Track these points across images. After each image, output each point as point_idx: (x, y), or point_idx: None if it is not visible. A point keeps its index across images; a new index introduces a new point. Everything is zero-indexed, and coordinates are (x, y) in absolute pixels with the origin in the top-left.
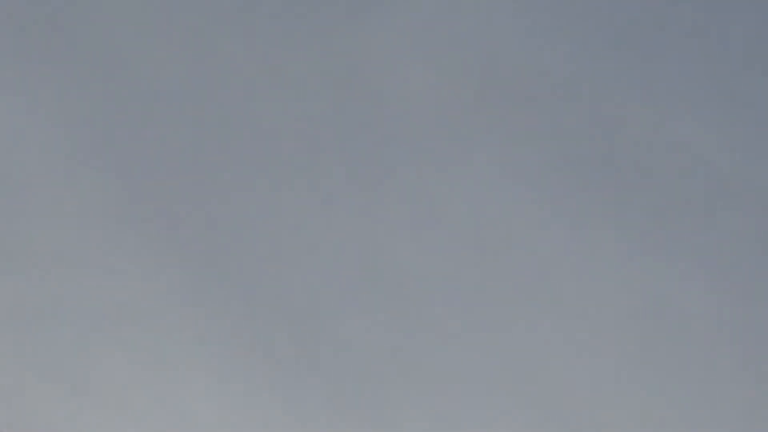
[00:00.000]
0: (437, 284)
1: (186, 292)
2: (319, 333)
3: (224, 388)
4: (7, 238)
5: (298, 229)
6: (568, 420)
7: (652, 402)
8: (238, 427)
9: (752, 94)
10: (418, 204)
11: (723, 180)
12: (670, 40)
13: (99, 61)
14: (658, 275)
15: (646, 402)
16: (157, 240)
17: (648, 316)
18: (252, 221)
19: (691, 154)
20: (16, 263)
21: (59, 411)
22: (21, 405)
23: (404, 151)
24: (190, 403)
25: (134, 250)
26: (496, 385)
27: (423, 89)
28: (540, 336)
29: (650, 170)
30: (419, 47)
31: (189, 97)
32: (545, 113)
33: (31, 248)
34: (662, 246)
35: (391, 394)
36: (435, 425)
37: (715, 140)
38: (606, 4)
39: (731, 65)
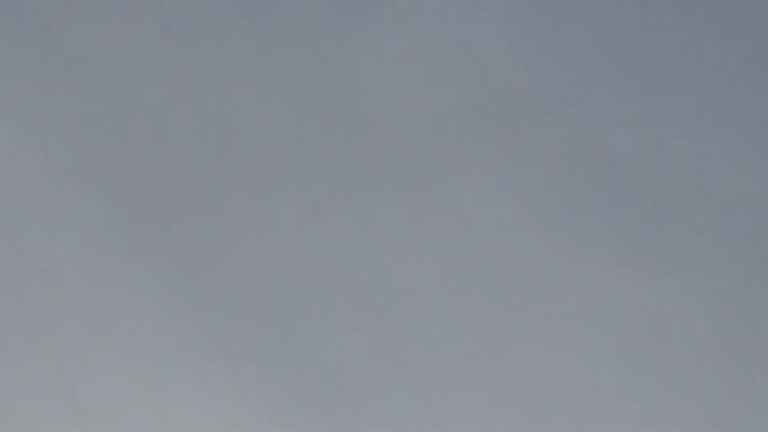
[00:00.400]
0: (429, 298)
1: (176, 304)
2: (312, 347)
3: (215, 402)
4: None
5: (291, 242)
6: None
7: (645, 412)
8: None
9: (740, 108)
10: (411, 218)
11: (712, 193)
12: (659, 55)
13: (91, 77)
14: (650, 288)
15: (639, 412)
16: (147, 254)
17: (641, 328)
18: (243, 235)
19: (680, 168)
20: (5, 277)
21: (50, 424)
22: (12, 418)
23: (397, 167)
24: (181, 416)
25: (125, 264)
26: (490, 400)
27: (416, 105)
28: (533, 349)
29: (641, 184)
30: (412, 63)
31: (179, 112)
32: (537, 128)
33: (21, 263)
34: (654, 259)
35: (382, 407)
36: None
37: (703, 154)
38: (597, 21)
39: (719, 81)
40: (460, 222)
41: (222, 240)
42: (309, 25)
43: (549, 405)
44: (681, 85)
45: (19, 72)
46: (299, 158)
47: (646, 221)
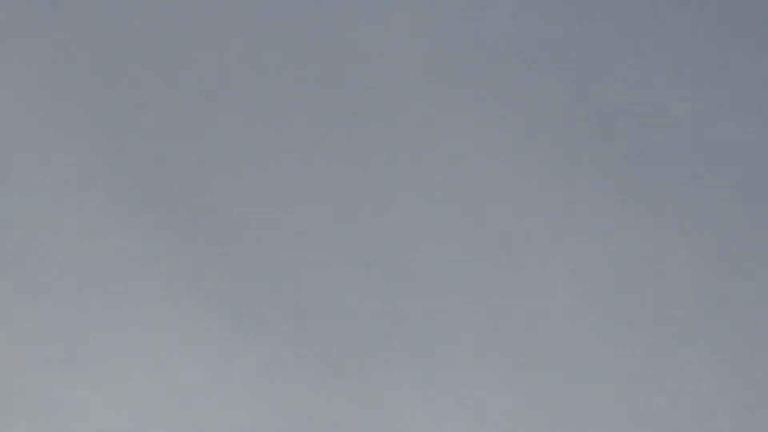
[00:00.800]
0: (424, 244)
1: (173, 255)
2: (306, 295)
3: (209, 350)
4: None
5: (285, 194)
6: (554, 375)
7: (636, 358)
8: (225, 389)
9: (736, 58)
10: (405, 162)
11: (707, 142)
12: (656, 3)
13: (84, 25)
14: (643, 235)
15: (629, 358)
16: (143, 203)
17: (634, 276)
18: (237, 185)
19: (675, 116)
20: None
21: (48, 374)
22: (10, 371)
23: (390, 113)
24: (177, 367)
25: (120, 213)
26: (486, 343)
27: (412, 46)
28: (526, 293)
29: (636, 132)
30: (406, 9)
31: (171, 56)
32: (533, 73)
33: (15, 212)
34: (648, 206)
35: (378, 355)
36: (425, 386)
37: (698, 102)
38: None
39: (716, 30)
40: (454, 167)
41: (217, 186)
42: None
43: (541, 350)
44: (678, 34)
45: (15, 23)
46: (294, 110)
47: (639, 169)
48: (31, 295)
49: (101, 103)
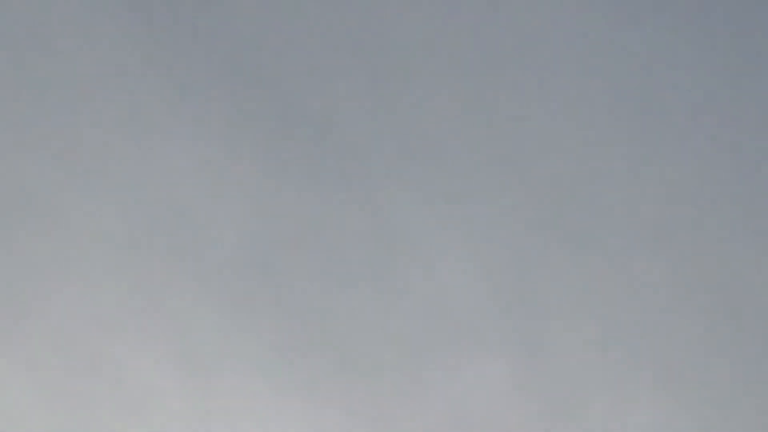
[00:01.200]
0: (422, 50)
1: (174, 63)
2: (308, 102)
3: (212, 158)
4: None
5: (287, 4)
6: (553, 182)
7: (636, 163)
8: (226, 196)
9: None
10: None
11: None
12: None
13: None
14: (646, 43)
15: (629, 163)
16: (145, 13)
17: (630, 73)
18: None
19: None
20: (2, 41)
21: (51, 184)
22: (15, 181)
23: None
24: (179, 174)
25: (121, 25)
26: (485, 152)
27: None
28: (526, 103)
29: None
30: None
31: None
32: None
33: (14, 31)
34: (651, 14)
35: (379, 161)
36: (426, 193)
37: None
38: None
39: None
40: None
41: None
42: None
43: (541, 156)
44: None
45: None
46: None
47: None
48: (33, 105)
49: None
